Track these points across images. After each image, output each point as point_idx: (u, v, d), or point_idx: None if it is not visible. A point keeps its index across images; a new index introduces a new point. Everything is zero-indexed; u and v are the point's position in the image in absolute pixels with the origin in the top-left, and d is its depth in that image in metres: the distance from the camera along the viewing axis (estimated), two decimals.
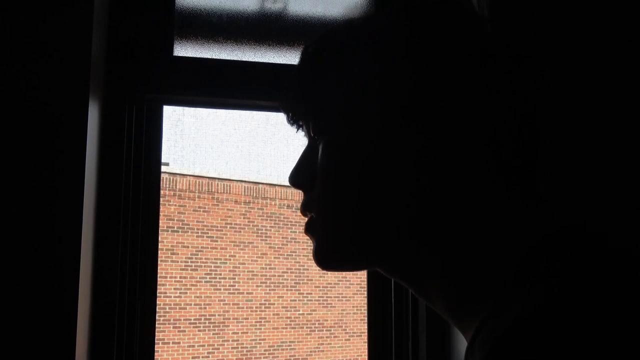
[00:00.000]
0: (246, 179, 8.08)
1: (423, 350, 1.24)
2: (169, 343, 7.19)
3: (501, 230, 0.49)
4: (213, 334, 7.49)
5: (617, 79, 1.16)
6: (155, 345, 1.17)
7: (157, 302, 1.19)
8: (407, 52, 0.51)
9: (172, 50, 1.22)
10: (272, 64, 1.28)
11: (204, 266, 7.57)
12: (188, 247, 7.51)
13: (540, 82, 0.53)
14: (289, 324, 7.95)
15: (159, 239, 1.20)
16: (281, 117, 0.60)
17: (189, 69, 1.22)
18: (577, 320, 0.36)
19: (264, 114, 8.40)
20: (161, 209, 1.21)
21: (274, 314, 7.89)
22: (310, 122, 0.56)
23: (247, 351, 7.64)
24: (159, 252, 1.21)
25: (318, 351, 8.07)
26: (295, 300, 8.03)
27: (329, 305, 8.19)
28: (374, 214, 0.51)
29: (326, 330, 8.14)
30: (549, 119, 0.58)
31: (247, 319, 7.71)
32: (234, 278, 7.73)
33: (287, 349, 7.88)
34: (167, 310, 7.22)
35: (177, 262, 7.40)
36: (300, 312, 8.04)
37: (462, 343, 1.15)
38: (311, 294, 8.13)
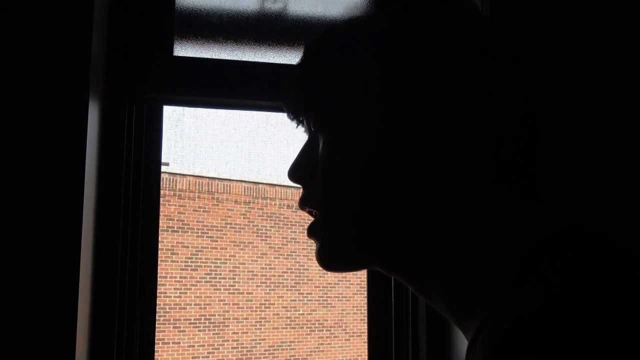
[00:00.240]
0: (246, 179, 8.08)
1: (423, 350, 1.24)
2: (169, 343, 7.19)
3: (501, 230, 0.49)
4: (213, 334, 7.50)
5: (617, 79, 1.16)
6: (155, 345, 1.17)
7: (157, 302, 1.19)
8: (407, 52, 0.51)
9: (172, 50, 1.22)
10: (272, 64, 1.28)
11: (204, 266, 7.57)
12: (188, 247, 7.51)
13: (540, 82, 0.53)
14: (289, 324, 7.95)
15: (159, 239, 1.20)
16: (281, 117, 0.60)
17: (189, 69, 1.22)
18: (577, 320, 0.36)
19: (264, 114, 8.41)
20: (161, 209, 1.21)
21: (274, 314, 7.89)
22: (311, 119, 0.56)
23: (247, 351, 7.64)
24: (159, 252, 1.21)
25: (318, 351, 8.07)
26: (295, 300, 8.03)
27: (329, 305, 8.19)
28: (374, 214, 0.51)
29: (326, 330, 8.14)
30: (549, 119, 0.58)
31: (247, 319, 7.71)
32: (234, 278, 7.73)
33: (287, 349, 7.88)
34: (167, 310, 7.22)
35: (177, 262, 7.41)
36: (300, 312, 8.04)
37: (462, 343, 1.15)
38: (311, 294, 8.13)
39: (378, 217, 0.51)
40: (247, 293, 7.78)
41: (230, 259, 7.75)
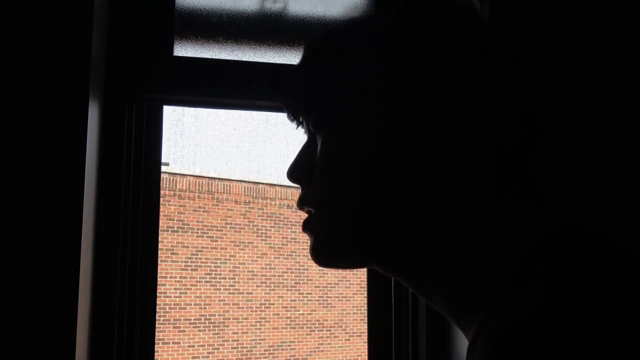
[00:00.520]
0: (246, 179, 8.08)
1: (423, 350, 1.24)
2: (169, 343, 7.20)
3: (501, 230, 0.49)
4: (213, 334, 7.50)
5: (617, 79, 1.16)
6: (155, 345, 1.17)
7: (157, 302, 1.19)
8: (407, 52, 0.51)
9: (172, 50, 1.22)
10: (272, 64, 1.28)
11: (204, 266, 7.58)
12: (188, 247, 7.52)
13: (540, 82, 0.53)
14: (289, 324, 7.96)
15: (159, 239, 1.20)
16: (281, 117, 0.60)
17: (189, 69, 1.22)
18: (577, 320, 0.36)
19: (264, 114, 8.41)
20: (161, 209, 1.22)
21: (274, 314, 7.89)
22: (311, 119, 0.56)
23: (247, 351, 7.65)
24: (159, 252, 1.21)
25: (318, 351, 8.07)
26: (295, 300, 8.04)
27: (329, 305, 8.19)
28: (373, 214, 0.51)
29: (326, 330, 8.14)
30: (549, 119, 0.58)
31: (247, 319, 7.72)
32: (234, 278, 7.74)
33: (287, 349, 7.88)
34: (167, 310, 7.23)
35: (177, 262, 7.41)
36: (300, 312, 8.05)
37: (462, 343, 1.15)
38: (311, 294, 8.13)
39: (378, 217, 0.51)
40: (247, 293, 7.78)
41: (230, 259, 7.75)
